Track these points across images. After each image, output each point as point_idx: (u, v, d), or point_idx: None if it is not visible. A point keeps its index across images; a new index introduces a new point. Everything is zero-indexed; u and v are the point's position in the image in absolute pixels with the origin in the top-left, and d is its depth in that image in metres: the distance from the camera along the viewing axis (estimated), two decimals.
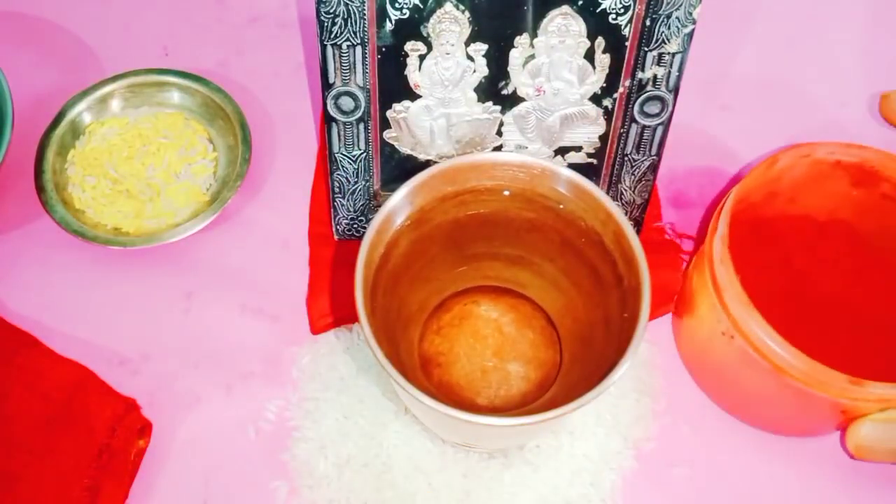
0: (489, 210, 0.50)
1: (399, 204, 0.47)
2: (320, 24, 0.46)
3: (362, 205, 0.55)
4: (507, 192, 0.49)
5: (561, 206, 0.48)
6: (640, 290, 0.44)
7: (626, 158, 0.53)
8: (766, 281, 0.51)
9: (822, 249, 0.55)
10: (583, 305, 0.50)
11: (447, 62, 0.48)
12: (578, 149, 0.53)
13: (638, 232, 0.56)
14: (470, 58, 0.48)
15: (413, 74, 0.49)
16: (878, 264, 0.54)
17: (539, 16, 0.47)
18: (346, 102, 0.49)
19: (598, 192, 0.47)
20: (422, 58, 0.48)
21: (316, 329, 0.54)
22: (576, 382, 0.47)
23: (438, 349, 0.52)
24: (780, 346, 0.45)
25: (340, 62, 0.48)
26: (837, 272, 0.54)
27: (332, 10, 0.46)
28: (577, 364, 0.49)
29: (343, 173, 0.53)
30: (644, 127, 0.51)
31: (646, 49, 0.48)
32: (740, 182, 0.49)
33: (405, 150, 0.52)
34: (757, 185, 0.51)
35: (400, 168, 0.53)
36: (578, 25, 0.47)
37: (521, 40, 0.48)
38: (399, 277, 0.48)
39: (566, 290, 0.51)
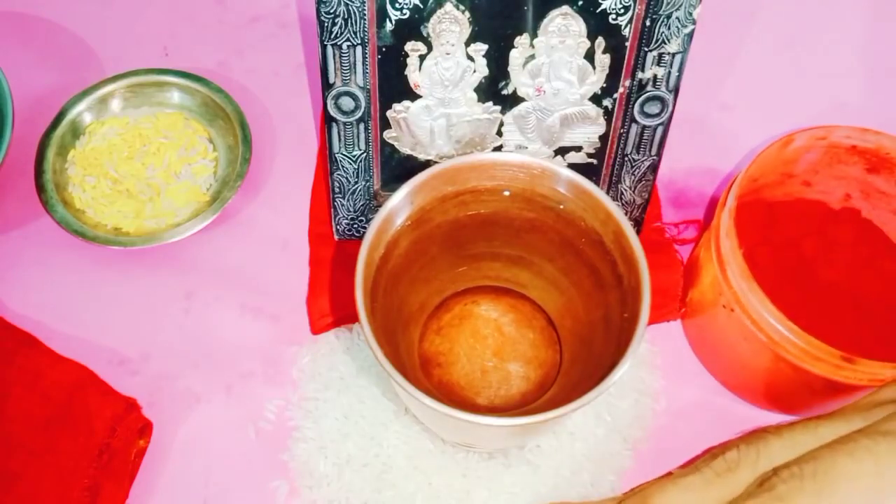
0: (489, 210, 0.50)
1: (399, 204, 0.47)
2: (320, 24, 0.46)
3: (362, 205, 0.55)
4: (507, 193, 0.49)
5: (561, 207, 0.48)
6: (640, 291, 0.44)
7: (626, 158, 0.53)
8: (772, 261, 0.52)
9: (832, 234, 0.55)
10: (583, 305, 0.50)
11: (447, 62, 0.48)
12: (578, 149, 0.53)
13: (638, 232, 0.56)
14: (470, 58, 0.48)
15: (413, 74, 0.49)
16: (888, 253, 0.54)
17: (539, 16, 0.47)
18: (346, 102, 0.49)
19: (597, 191, 0.47)
20: (422, 58, 0.48)
21: (316, 329, 0.54)
22: (576, 383, 0.47)
23: (439, 349, 0.52)
24: (776, 320, 0.45)
25: (340, 62, 0.48)
26: (846, 258, 0.55)
27: (332, 11, 0.46)
28: (578, 364, 0.49)
29: (343, 173, 0.53)
30: (644, 127, 0.51)
31: (646, 49, 0.48)
32: (753, 159, 0.50)
33: (405, 150, 0.52)
34: (771, 165, 0.52)
35: (400, 168, 0.53)
36: (578, 26, 0.47)
37: (522, 40, 0.48)
38: (399, 277, 0.48)
39: (566, 290, 0.51)
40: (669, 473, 0.41)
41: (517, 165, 0.48)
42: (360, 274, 0.43)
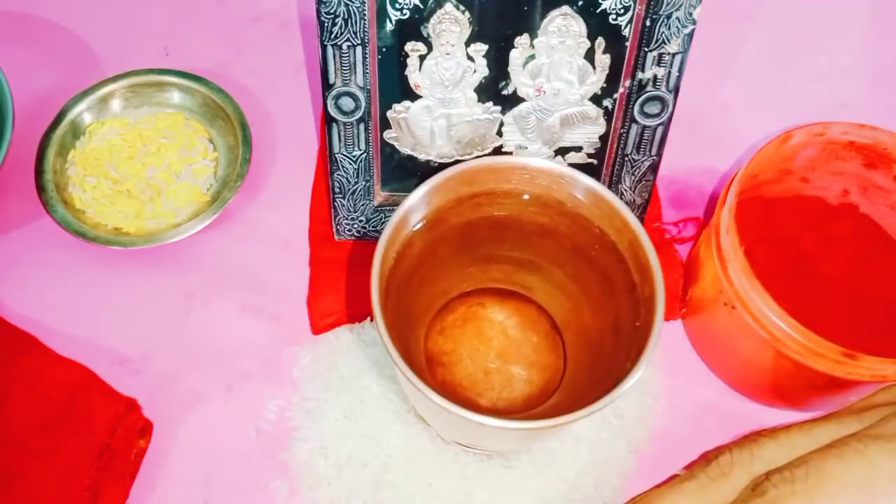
0: (503, 213, 0.49)
1: (416, 203, 0.46)
2: (321, 24, 0.46)
3: (362, 205, 0.55)
4: (524, 196, 0.49)
5: (577, 212, 0.48)
6: (655, 300, 0.43)
7: (626, 159, 0.53)
8: (772, 257, 0.52)
9: (831, 230, 0.55)
10: (591, 312, 0.49)
11: (447, 62, 0.48)
12: (578, 149, 0.53)
13: None
14: (470, 58, 0.48)
15: (413, 75, 0.49)
16: (886, 248, 0.54)
17: (539, 16, 0.47)
18: (347, 102, 0.50)
19: (615, 199, 0.46)
20: (422, 58, 0.48)
21: (317, 329, 0.54)
22: (584, 389, 0.46)
23: (442, 349, 0.52)
24: (777, 316, 0.46)
25: (341, 62, 0.48)
26: (845, 254, 0.55)
27: (332, 11, 0.46)
28: (583, 370, 0.49)
29: (343, 173, 0.53)
30: (644, 127, 0.51)
31: (646, 49, 0.48)
32: (752, 157, 0.50)
33: (405, 150, 0.52)
34: (769, 162, 0.52)
35: (400, 168, 0.53)
36: (579, 26, 0.47)
37: (522, 41, 0.48)
38: (410, 277, 0.48)
39: (574, 295, 0.51)
40: (668, 480, 0.41)
41: (537, 170, 0.48)
42: (375, 272, 0.43)
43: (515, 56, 0.48)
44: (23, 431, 0.48)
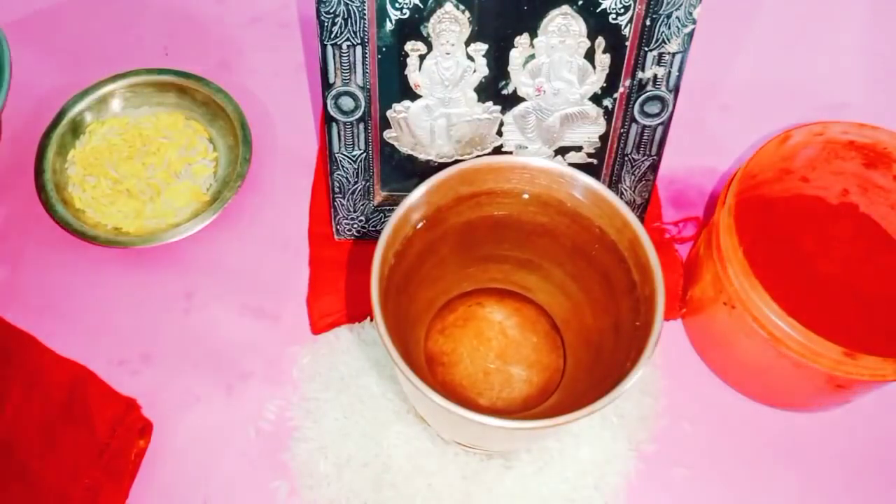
0: (503, 213, 0.49)
1: (416, 203, 0.46)
2: (320, 24, 0.46)
3: (362, 205, 0.55)
4: (524, 196, 0.49)
5: (577, 212, 0.48)
6: (655, 299, 0.43)
7: (626, 158, 0.53)
8: (772, 257, 0.52)
9: (831, 230, 0.55)
10: (591, 311, 0.49)
11: (447, 62, 0.48)
12: (578, 148, 0.53)
13: None
14: (470, 58, 0.48)
15: (413, 74, 0.49)
16: (886, 248, 0.54)
17: (539, 16, 0.47)
18: (346, 102, 0.49)
19: (615, 199, 0.46)
20: (422, 58, 0.48)
21: (316, 329, 0.54)
22: (584, 388, 0.46)
23: (442, 349, 0.52)
24: (777, 316, 0.45)
25: (340, 62, 0.48)
26: (845, 253, 0.55)
27: (332, 10, 0.46)
28: (583, 370, 0.49)
29: (343, 173, 0.53)
30: (644, 127, 0.51)
31: (646, 49, 0.48)
32: (752, 156, 0.50)
33: (405, 149, 0.52)
34: (769, 161, 0.52)
35: (400, 168, 0.53)
36: (578, 25, 0.47)
37: (522, 40, 0.48)
38: (411, 276, 0.48)
39: (574, 295, 0.51)
40: None
41: (537, 169, 0.48)
42: (375, 272, 0.43)
43: (515, 55, 0.48)
44: (23, 431, 0.48)
